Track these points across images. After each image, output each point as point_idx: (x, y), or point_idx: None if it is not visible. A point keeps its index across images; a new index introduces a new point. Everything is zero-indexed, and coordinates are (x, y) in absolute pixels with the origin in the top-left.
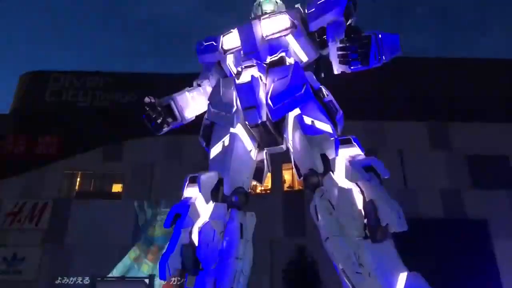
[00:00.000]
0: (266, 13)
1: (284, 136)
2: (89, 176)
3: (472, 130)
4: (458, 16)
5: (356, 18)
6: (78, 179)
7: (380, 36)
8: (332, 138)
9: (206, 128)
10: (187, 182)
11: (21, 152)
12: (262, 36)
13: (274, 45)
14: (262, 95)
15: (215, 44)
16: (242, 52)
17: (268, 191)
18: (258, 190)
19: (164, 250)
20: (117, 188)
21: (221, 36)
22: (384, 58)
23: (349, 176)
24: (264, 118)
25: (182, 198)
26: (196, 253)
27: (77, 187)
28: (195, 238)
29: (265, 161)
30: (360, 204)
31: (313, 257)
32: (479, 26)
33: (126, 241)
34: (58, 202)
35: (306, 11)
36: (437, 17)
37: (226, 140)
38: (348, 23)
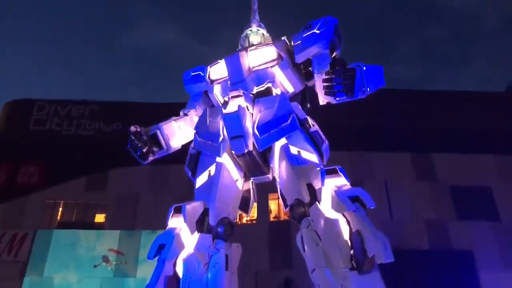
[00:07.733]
0: (253, 45)
1: (271, 165)
2: (71, 206)
3: (456, 161)
4: (439, 50)
5: (341, 50)
6: (60, 209)
7: (364, 68)
8: (318, 168)
9: (192, 157)
10: (172, 212)
11: (1, 181)
12: (249, 67)
13: (261, 76)
14: (248, 124)
15: (202, 74)
16: (229, 82)
17: (254, 222)
18: (244, 221)
19: (148, 282)
20: (100, 218)
21: (208, 66)
22: (368, 90)
23: (335, 207)
24: (251, 148)
25: (166, 229)
26: (180, 285)
27: (58, 217)
28: (179, 269)
29: (251, 190)
30: (346, 235)
31: None
32: (460, 59)
33: (109, 273)
34: (38, 232)
35: (292, 43)
36: (419, 50)
37: (212, 169)
38: (333, 56)
